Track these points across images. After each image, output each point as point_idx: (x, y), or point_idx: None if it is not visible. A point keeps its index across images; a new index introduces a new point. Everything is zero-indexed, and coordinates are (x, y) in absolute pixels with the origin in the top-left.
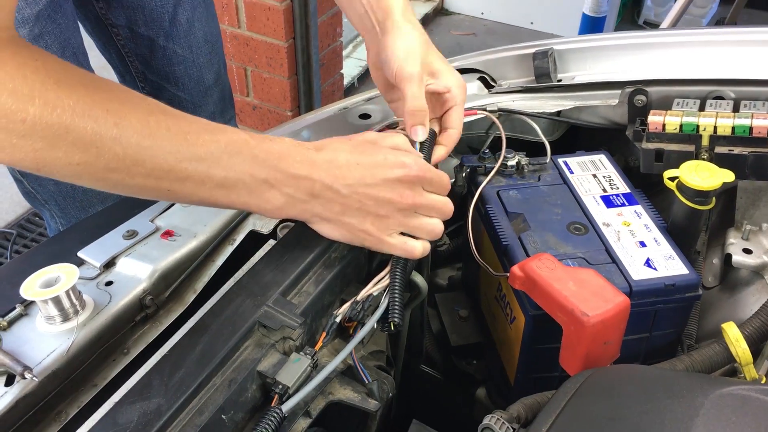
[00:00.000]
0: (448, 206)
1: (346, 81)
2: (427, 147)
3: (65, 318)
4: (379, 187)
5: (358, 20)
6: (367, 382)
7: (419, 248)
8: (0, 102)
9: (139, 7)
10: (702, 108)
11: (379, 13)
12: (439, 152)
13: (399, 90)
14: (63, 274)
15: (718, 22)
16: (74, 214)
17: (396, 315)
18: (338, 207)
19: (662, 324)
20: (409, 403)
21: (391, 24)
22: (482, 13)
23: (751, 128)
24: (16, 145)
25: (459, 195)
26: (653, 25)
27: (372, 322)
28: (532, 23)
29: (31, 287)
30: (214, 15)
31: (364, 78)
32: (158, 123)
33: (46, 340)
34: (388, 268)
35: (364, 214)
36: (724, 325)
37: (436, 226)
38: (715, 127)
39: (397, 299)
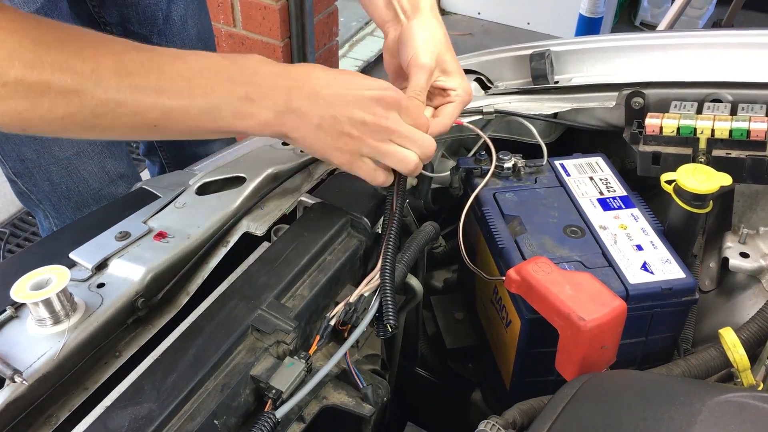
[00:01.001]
0: (428, 141)
1: None
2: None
3: (56, 320)
4: (354, 104)
5: (378, 11)
6: (361, 386)
7: (381, 177)
8: None
9: (133, 5)
10: (699, 111)
11: (405, 5)
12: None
13: (407, 76)
14: (54, 276)
15: (715, 23)
16: (69, 214)
17: (390, 317)
18: (315, 120)
19: (659, 328)
20: (404, 406)
21: (419, 13)
22: (479, 13)
23: (748, 131)
24: (1, 107)
25: (455, 197)
26: (650, 26)
27: (363, 325)
28: (528, 24)
29: (21, 289)
30: (207, 11)
31: None
32: (133, 61)
33: (36, 342)
34: (378, 265)
35: (338, 132)
36: (722, 331)
37: (409, 156)
38: (713, 130)
39: (389, 301)
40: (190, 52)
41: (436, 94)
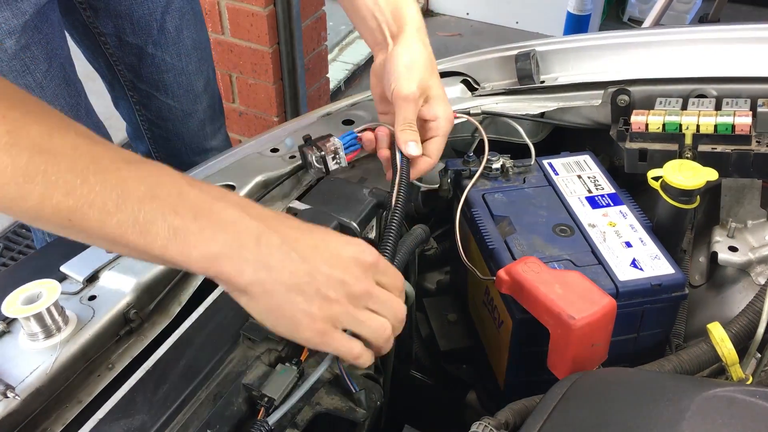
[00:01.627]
0: (401, 307)
1: (332, 85)
2: (404, 181)
3: (48, 334)
4: (333, 262)
5: (369, 34)
6: (354, 391)
7: (366, 357)
8: None
9: (127, 15)
10: (684, 107)
11: (393, 27)
12: (412, 171)
13: (393, 106)
14: (45, 290)
15: (702, 18)
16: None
17: None
18: (287, 276)
19: (650, 324)
20: (399, 409)
21: (403, 37)
22: (467, 14)
23: (733, 126)
24: None
25: (444, 199)
26: (638, 22)
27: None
28: (517, 23)
29: (12, 304)
30: (203, 22)
31: (350, 82)
32: (63, 139)
33: (29, 357)
34: None
35: (313, 292)
36: (710, 326)
37: (383, 326)
38: (698, 126)
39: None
40: (139, 159)
41: (418, 125)
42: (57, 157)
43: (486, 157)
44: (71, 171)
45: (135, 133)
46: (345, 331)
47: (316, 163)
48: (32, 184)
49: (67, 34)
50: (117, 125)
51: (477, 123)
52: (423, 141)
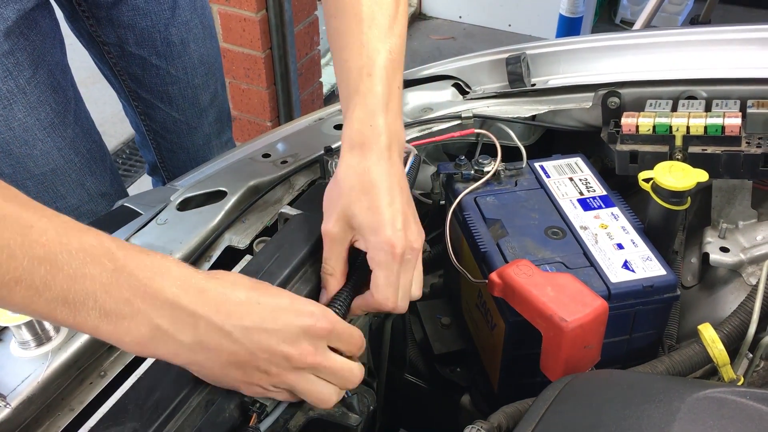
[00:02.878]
0: (353, 374)
1: (325, 89)
2: (343, 298)
3: (39, 342)
4: (278, 337)
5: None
6: (347, 396)
7: (319, 402)
8: None
9: (130, 26)
10: (675, 108)
11: (342, 104)
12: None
13: None
14: None
15: (693, 19)
16: None
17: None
18: (224, 357)
19: (642, 325)
20: (394, 413)
21: (343, 139)
22: (460, 17)
23: (723, 127)
24: None
25: (436, 203)
26: (630, 24)
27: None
28: (510, 26)
29: (3, 312)
30: (213, 35)
31: None
32: None
33: (20, 365)
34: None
35: (253, 368)
36: (700, 327)
37: (329, 395)
38: (688, 127)
39: (339, 301)
40: (82, 227)
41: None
42: None
43: (476, 160)
44: None
45: (142, 142)
46: None
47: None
48: None
49: (75, 41)
50: (110, 131)
51: (488, 132)
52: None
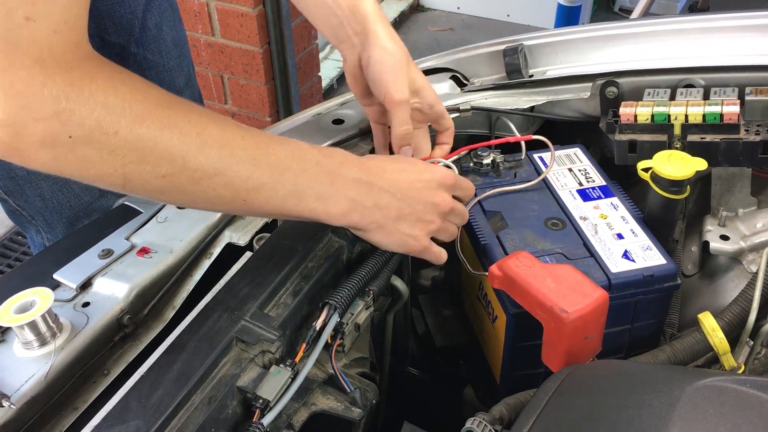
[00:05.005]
0: (466, 213)
1: (324, 83)
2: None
3: (42, 342)
4: (426, 191)
5: (331, 31)
6: (349, 390)
7: (444, 255)
8: (94, 115)
9: (108, 15)
10: (673, 97)
11: (355, 25)
12: (444, 149)
13: (384, 108)
14: (38, 298)
15: (691, 6)
16: (61, 229)
17: (335, 297)
18: (394, 212)
19: (643, 315)
20: (398, 405)
21: (374, 38)
22: (458, 8)
23: (721, 115)
24: (106, 161)
25: None
26: (629, 12)
27: (332, 324)
28: (508, 16)
29: (5, 313)
30: (180, 18)
31: (342, 79)
32: (233, 133)
33: (24, 365)
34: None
35: (415, 219)
36: (700, 316)
37: (454, 232)
38: (686, 116)
39: (346, 288)
40: (283, 138)
41: (416, 114)
42: (234, 150)
43: (476, 152)
44: (244, 161)
45: None
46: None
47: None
48: (219, 176)
49: None
50: None
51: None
52: (434, 129)
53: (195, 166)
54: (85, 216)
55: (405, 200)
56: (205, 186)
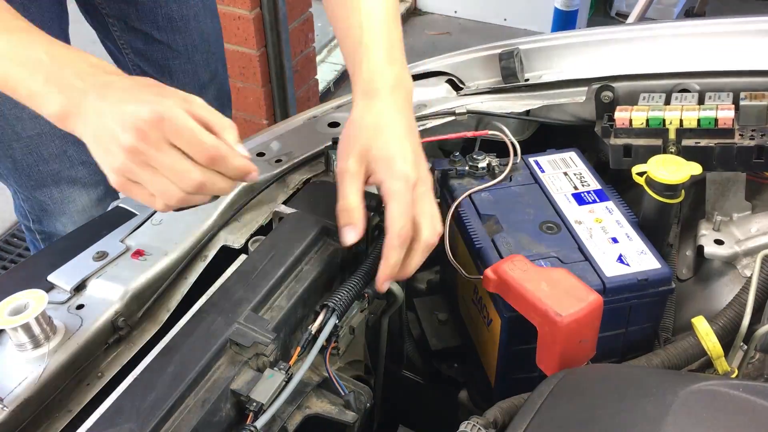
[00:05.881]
0: (185, 173)
1: (321, 86)
2: (353, 283)
3: (36, 344)
4: (118, 118)
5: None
6: (343, 393)
7: (159, 205)
8: None
9: (132, 1)
10: (668, 102)
11: (349, 65)
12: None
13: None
14: (32, 300)
15: (687, 11)
16: (29, 192)
17: (333, 299)
18: (91, 129)
19: (638, 319)
20: (393, 409)
21: (353, 104)
22: (455, 12)
23: (716, 120)
24: None
25: None
26: (625, 16)
27: (330, 326)
28: (505, 20)
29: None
30: (214, 13)
31: (339, 82)
32: None
33: (18, 367)
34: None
35: (105, 145)
36: (694, 320)
37: (166, 188)
38: (681, 121)
39: (344, 291)
40: (16, 27)
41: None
42: None
43: (471, 156)
44: None
45: None
46: None
47: (335, 168)
48: None
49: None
50: None
51: (505, 129)
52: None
53: None
54: (53, 184)
55: (103, 119)
56: None
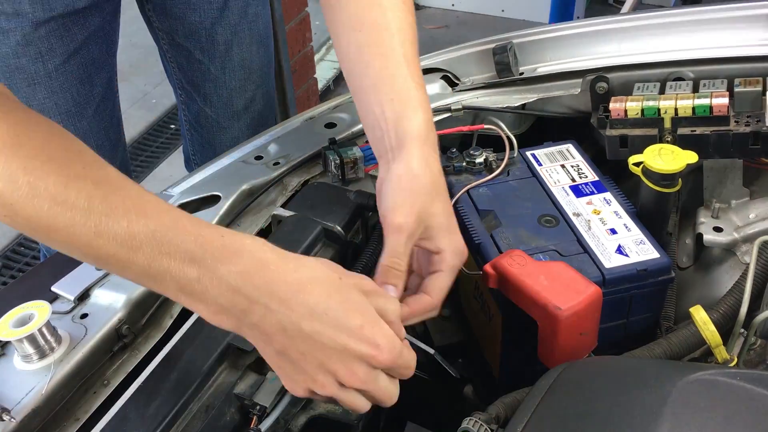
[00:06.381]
0: (390, 397)
1: (321, 84)
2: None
3: (42, 355)
4: (332, 353)
5: (374, 143)
6: None
7: (366, 406)
8: None
9: (180, 18)
10: (662, 91)
11: (394, 139)
12: (403, 313)
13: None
14: (36, 311)
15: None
16: None
17: None
18: (278, 346)
19: (638, 309)
20: (400, 406)
21: (404, 155)
22: (453, 5)
23: (711, 107)
24: None
25: None
26: (623, 3)
27: None
28: (503, 11)
29: (4, 327)
30: (262, 44)
31: (339, 80)
32: (79, 190)
33: (24, 378)
34: None
35: (300, 369)
36: (692, 309)
37: (362, 406)
38: (676, 109)
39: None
40: (162, 207)
41: (421, 257)
42: (73, 210)
43: (468, 152)
44: (85, 225)
45: (182, 131)
46: None
47: (333, 169)
48: (57, 233)
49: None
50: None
51: (503, 125)
52: (427, 275)
53: (25, 216)
54: None
55: (297, 343)
56: (44, 238)
